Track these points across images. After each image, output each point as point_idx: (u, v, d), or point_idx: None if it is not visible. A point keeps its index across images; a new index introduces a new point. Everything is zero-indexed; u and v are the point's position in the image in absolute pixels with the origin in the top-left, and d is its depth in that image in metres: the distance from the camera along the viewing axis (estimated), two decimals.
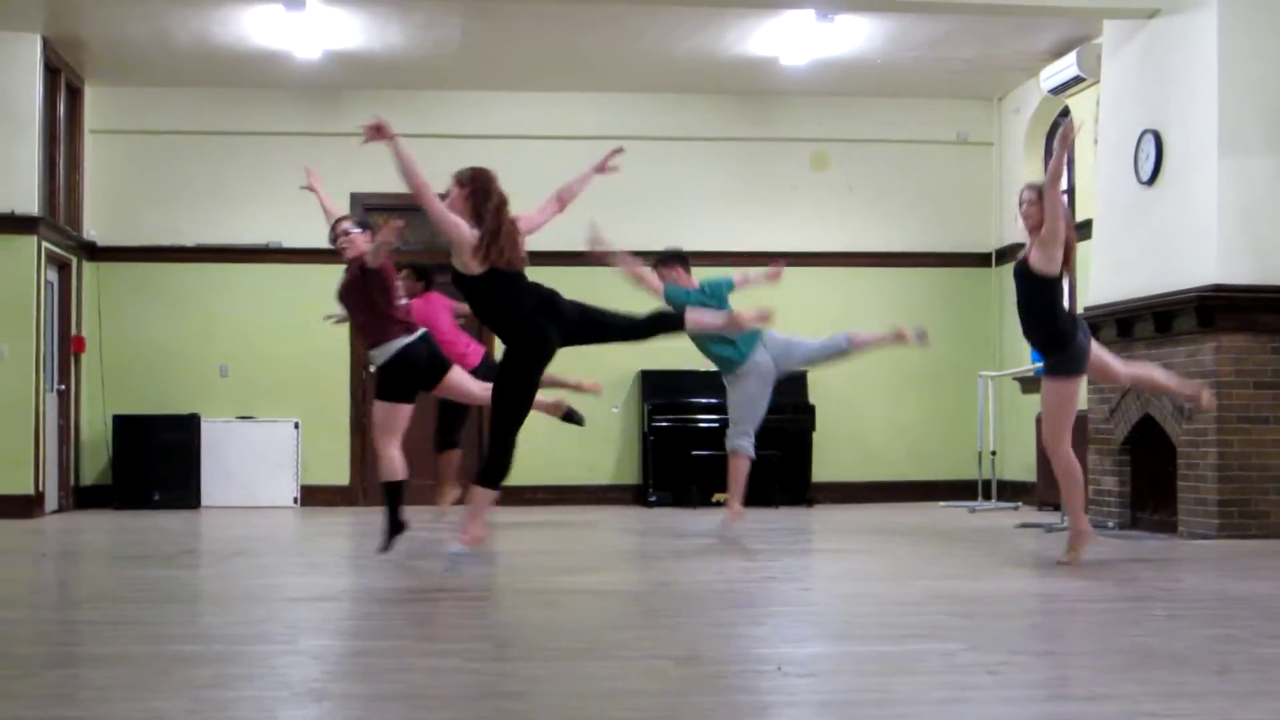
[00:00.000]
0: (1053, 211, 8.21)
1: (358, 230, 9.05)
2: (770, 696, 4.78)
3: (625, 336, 7.67)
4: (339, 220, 9.17)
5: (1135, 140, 11.27)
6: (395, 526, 8.86)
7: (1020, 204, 8.45)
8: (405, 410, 8.93)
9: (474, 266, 7.34)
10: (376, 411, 8.98)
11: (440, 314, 11.24)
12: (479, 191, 7.43)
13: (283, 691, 4.79)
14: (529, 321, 7.41)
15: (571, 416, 9.75)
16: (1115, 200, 11.59)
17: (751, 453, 10.53)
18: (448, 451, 11.56)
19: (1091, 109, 13.01)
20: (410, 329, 8.91)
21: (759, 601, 7.28)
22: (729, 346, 10.45)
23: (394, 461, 8.83)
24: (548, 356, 7.56)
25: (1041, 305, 8.43)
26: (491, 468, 7.35)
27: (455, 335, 11.25)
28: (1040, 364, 12.86)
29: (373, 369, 9.04)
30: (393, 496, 8.88)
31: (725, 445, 10.64)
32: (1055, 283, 8.40)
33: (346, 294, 9.09)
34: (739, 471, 10.54)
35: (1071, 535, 8.66)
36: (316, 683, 5.00)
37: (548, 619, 6.73)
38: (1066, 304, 8.63)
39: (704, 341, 10.41)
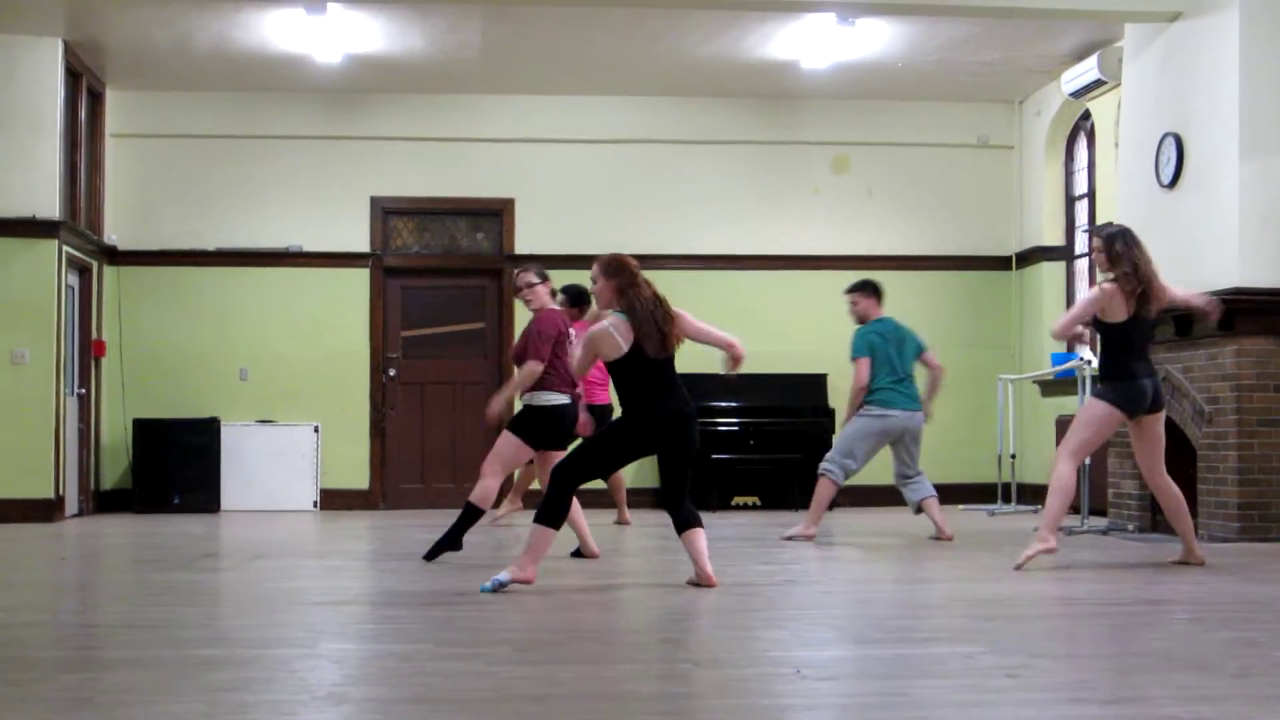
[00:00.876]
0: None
1: (539, 282, 9.38)
2: (790, 700, 4.77)
3: (667, 496, 7.92)
4: (520, 272, 9.51)
5: (1156, 143, 11.24)
6: (453, 543, 9.12)
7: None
8: (528, 454, 9.33)
9: (616, 351, 7.60)
10: (506, 442, 9.21)
11: None
12: (626, 282, 7.68)
13: (302, 695, 4.79)
14: (656, 417, 7.60)
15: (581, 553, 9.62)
16: (1136, 203, 11.55)
17: (839, 479, 10.79)
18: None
19: (1113, 112, 12.99)
20: (574, 385, 9.29)
21: (778, 605, 7.28)
22: (903, 383, 10.82)
23: (490, 492, 9.17)
24: (647, 451, 7.85)
25: (1102, 343, 8.78)
26: (552, 509, 7.53)
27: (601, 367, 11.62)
28: (1061, 366, 12.94)
29: (521, 405, 9.37)
30: (468, 519, 9.14)
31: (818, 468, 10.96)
32: (1108, 328, 8.63)
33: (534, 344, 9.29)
34: (821, 492, 10.81)
35: (1037, 543, 8.55)
36: (336, 686, 5.01)
37: (567, 621, 6.74)
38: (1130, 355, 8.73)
39: (882, 372, 10.78)
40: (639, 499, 14.49)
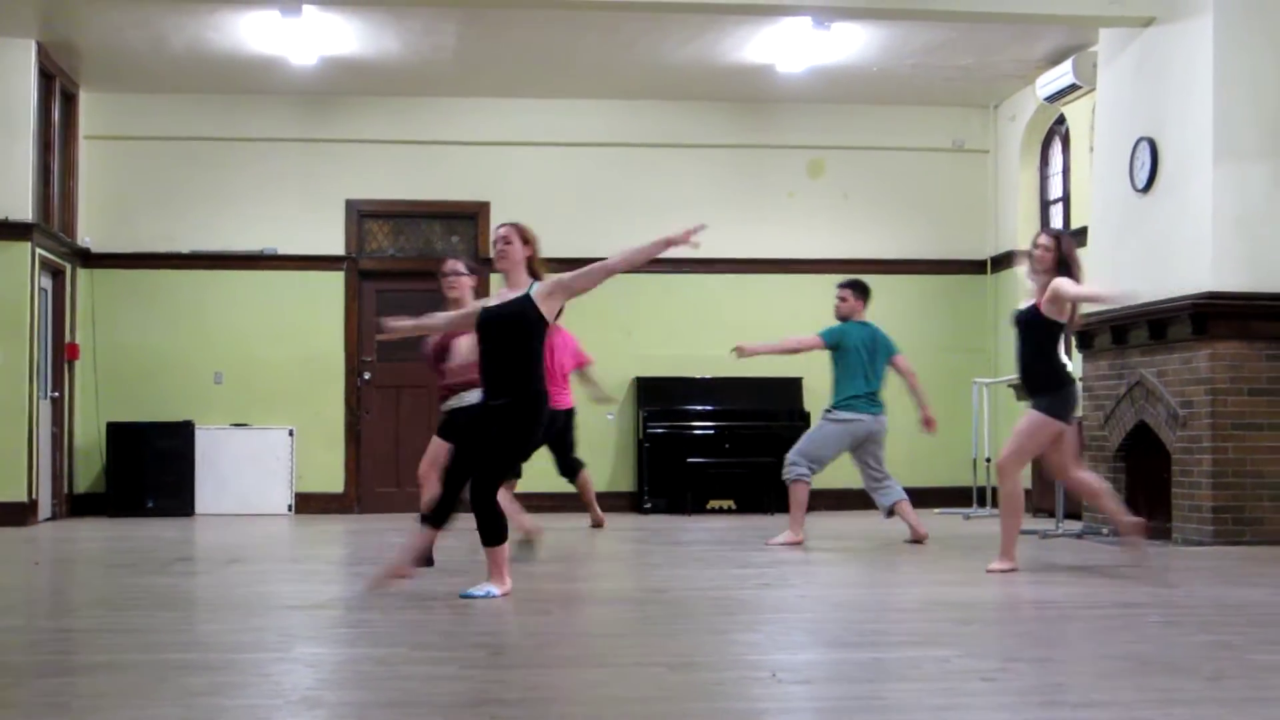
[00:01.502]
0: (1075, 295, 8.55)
1: (465, 274, 9.10)
2: (765, 703, 4.78)
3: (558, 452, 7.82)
4: (446, 260, 9.23)
5: (1130, 148, 11.28)
6: (425, 561, 8.92)
7: (1034, 248, 8.63)
8: None
9: (553, 310, 7.51)
10: (439, 448, 8.89)
11: (565, 352, 11.69)
12: (536, 253, 7.63)
13: (277, 699, 4.78)
14: (541, 391, 7.52)
15: (527, 547, 9.55)
16: (1110, 208, 11.60)
17: (808, 477, 10.78)
18: (580, 474, 12.28)
19: (1087, 116, 13.03)
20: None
21: (754, 608, 7.27)
22: (874, 394, 10.85)
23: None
24: (545, 428, 7.71)
25: (1039, 347, 8.60)
26: (490, 530, 7.40)
27: (564, 373, 11.83)
28: None
29: (448, 407, 8.99)
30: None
31: (783, 476, 10.90)
32: (1059, 327, 8.57)
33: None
34: (798, 496, 10.77)
35: (1001, 558, 8.66)
36: (311, 690, 5.00)
37: (542, 625, 6.73)
38: (1064, 360, 8.81)
39: (855, 378, 10.79)
40: (613, 503, 14.48)
